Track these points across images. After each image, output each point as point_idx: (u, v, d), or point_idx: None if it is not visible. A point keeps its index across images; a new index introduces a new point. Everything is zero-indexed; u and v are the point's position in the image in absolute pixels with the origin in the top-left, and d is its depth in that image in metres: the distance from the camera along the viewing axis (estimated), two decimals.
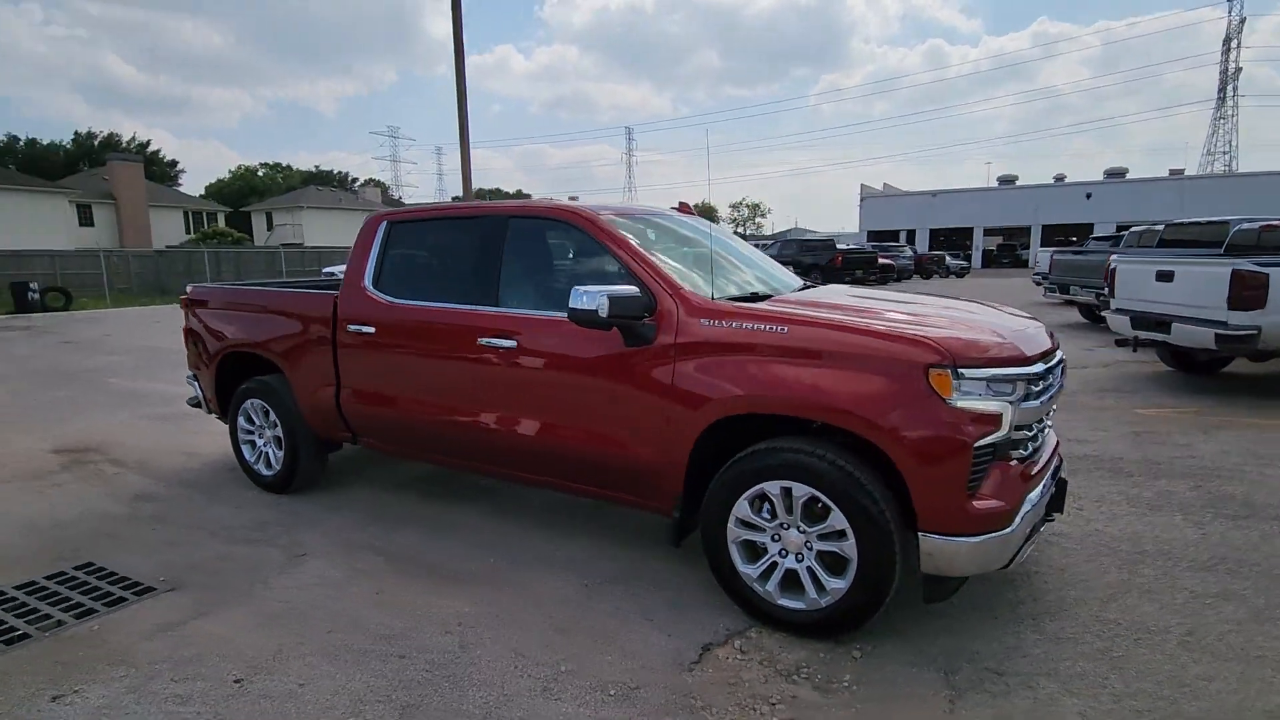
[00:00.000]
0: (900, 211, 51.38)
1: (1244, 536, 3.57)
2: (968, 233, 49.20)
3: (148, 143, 59.50)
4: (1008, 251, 47.56)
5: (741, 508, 2.76)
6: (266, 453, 4.47)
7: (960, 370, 2.42)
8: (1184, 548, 3.45)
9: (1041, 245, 36.72)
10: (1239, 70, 57.92)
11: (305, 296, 4.17)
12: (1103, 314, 8.71)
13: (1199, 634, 2.70)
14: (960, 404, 2.41)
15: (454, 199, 26.18)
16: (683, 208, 4.31)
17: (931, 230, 49.73)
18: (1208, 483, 4.37)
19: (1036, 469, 2.70)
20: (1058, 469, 2.99)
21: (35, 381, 8.55)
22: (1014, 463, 2.56)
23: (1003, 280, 30.50)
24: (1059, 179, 50.75)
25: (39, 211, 32.72)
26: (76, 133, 58.52)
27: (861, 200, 53.32)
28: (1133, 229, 13.78)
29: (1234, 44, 57.22)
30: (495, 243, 3.50)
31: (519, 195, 68.23)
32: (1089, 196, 44.46)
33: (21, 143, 54.28)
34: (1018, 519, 2.49)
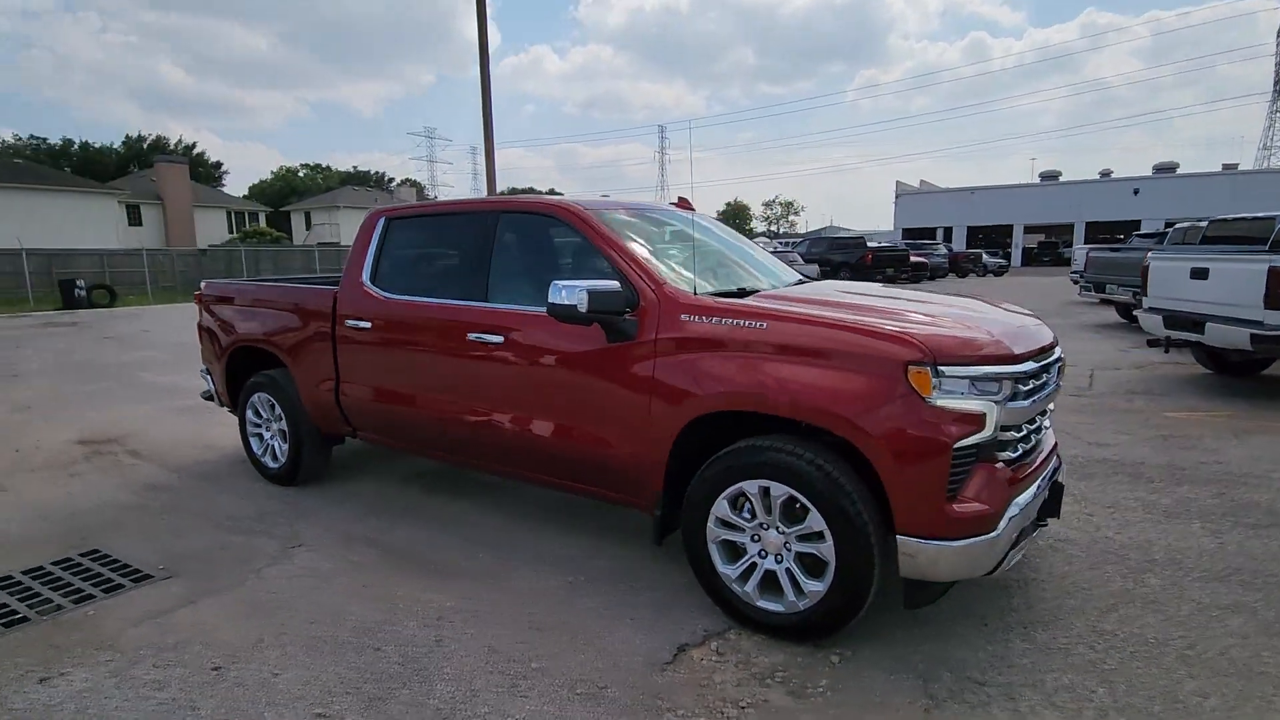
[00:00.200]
0: (937, 209, 50.28)
1: (1263, 546, 3.39)
2: (1008, 230, 47.92)
3: (194, 145, 61.47)
4: (1049, 249, 46.19)
5: (721, 507, 2.72)
6: (273, 445, 4.56)
7: (940, 368, 2.33)
8: (1197, 557, 3.29)
9: (1085, 243, 35.60)
10: None
11: (306, 292, 4.24)
12: (1135, 313, 8.39)
13: (1200, 648, 2.57)
14: (940, 403, 2.33)
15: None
16: (681, 203, 4.26)
17: (970, 228, 48.56)
18: (1232, 489, 4.17)
19: (1027, 472, 2.59)
20: (1055, 472, 2.88)
21: (73, 375, 8.87)
22: (1000, 465, 2.46)
23: (1041, 279, 29.64)
24: (1105, 174, 49.10)
25: (91, 212, 34.01)
26: (127, 136, 60.75)
27: (896, 197, 52.33)
28: (1177, 225, 13.25)
29: None
30: (486, 238, 3.51)
31: (551, 194, 68.55)
32: (1136, 193, 42.91)
33: (76, 146, 56.49)
34: (1003, 523, 2.39)
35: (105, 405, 7.05)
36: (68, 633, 2.80)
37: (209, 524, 3.95)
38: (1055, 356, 2.85)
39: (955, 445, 2.31)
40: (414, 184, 69.78)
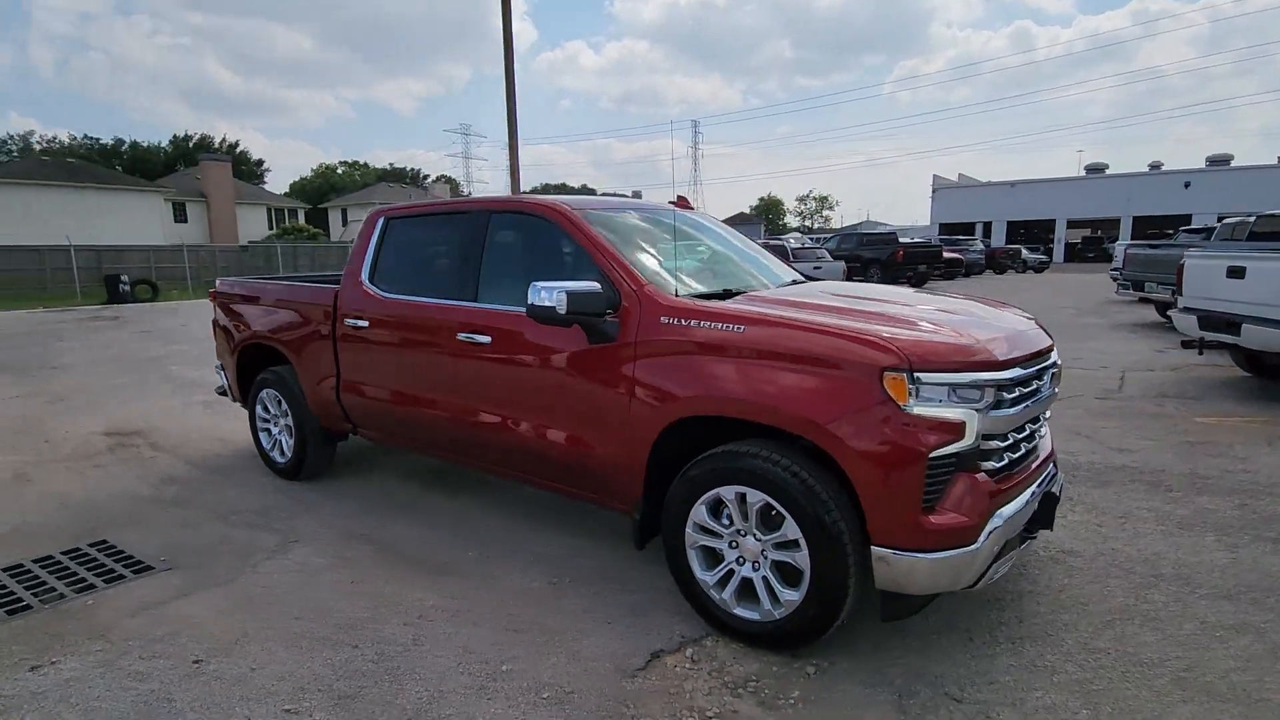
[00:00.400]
0: (975, 203, 49.05)
1: None
2: (1050, 225, 46.52)
3: (237, 143, 63.21)
4: (1093, 244, 44.58)
5: (699, 513, 2.68)
6: (280, 440, 4.66)
7: (918, 374, 2.26)
8: (1207, 572, 3.14)
9: (1131, 238, 34.24)
10: None
11: (309, 291, 4.31)
12: (1169, 313, 8.06)
13: (1199, 670, 2.45)
14: (917, 410, 2.25)
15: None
16: (680, 202, 4.21)
17: (1010, 222, 47.27)
18: (1256, 500, 3.97)
19: (1013, 482, 2.50)
20: (1049, 481, 2.77)
21: (108, 368, 9.19)
22: (981, 475, 2.37)
23: (1082, 276, 28.73)
24: (1154, 167, 47.30)
25: (139, 209, 35.30)
26: (175, 135, 62.80)
27: (933, 191, 51.22)
28: (1226, 220, 12.68)
29: None
30: (477, 238, 3.51)
31: (584, 190, 68.81)
32: (1187, 185, 41.24)
33: (126, 145, 58.58)
34: (983, 536, 2.31)
35: (135, 398, 7.28)
36: (65, 622, 2.89)
37: (215, 517, 4.04)
38: (1050, 362, 2.74)
39: (932, 454, 2.24)
40: (448, 180, 70.62)
